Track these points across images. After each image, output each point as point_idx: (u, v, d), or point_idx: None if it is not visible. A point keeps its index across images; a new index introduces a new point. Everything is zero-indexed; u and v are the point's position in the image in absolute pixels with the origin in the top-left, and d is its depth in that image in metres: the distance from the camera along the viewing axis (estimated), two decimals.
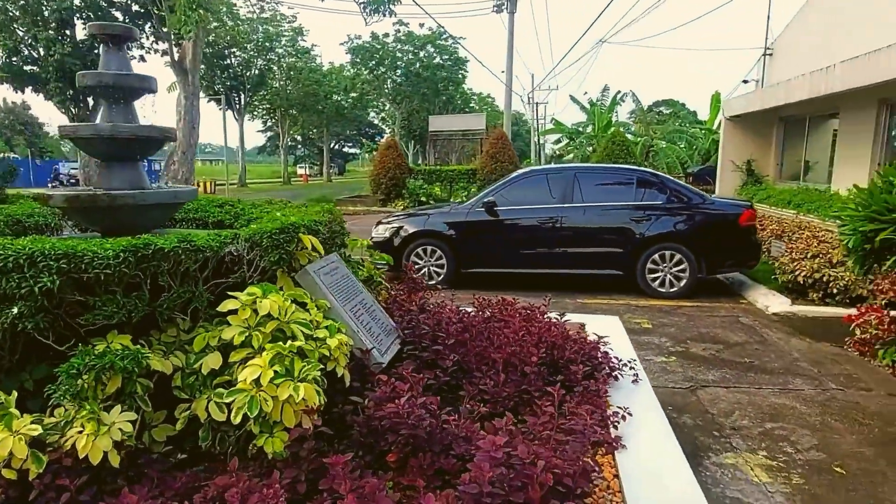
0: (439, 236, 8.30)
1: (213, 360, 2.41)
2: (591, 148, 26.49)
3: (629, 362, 3.53)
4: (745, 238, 7.94)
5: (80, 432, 2.07)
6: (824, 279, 7.28)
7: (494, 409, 2.67)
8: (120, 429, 2.12)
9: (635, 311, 7.21)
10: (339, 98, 37.94)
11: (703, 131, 27.76)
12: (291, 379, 2.22)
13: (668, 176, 8.65)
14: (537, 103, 42.39)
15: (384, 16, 13.85)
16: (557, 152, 31.92)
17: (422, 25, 42.99)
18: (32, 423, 2.05)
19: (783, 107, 12.51)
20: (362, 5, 12.43)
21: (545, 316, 3.78)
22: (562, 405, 2.70)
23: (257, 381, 2.20)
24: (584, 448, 2.31)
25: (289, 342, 2.37)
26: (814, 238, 8.25)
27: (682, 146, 27.43)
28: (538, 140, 42.73)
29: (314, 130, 44.52)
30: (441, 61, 34.84)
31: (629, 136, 24.52)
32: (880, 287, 6.29)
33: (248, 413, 2.13)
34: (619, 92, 32.42)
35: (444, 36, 34.08)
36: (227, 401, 2.19)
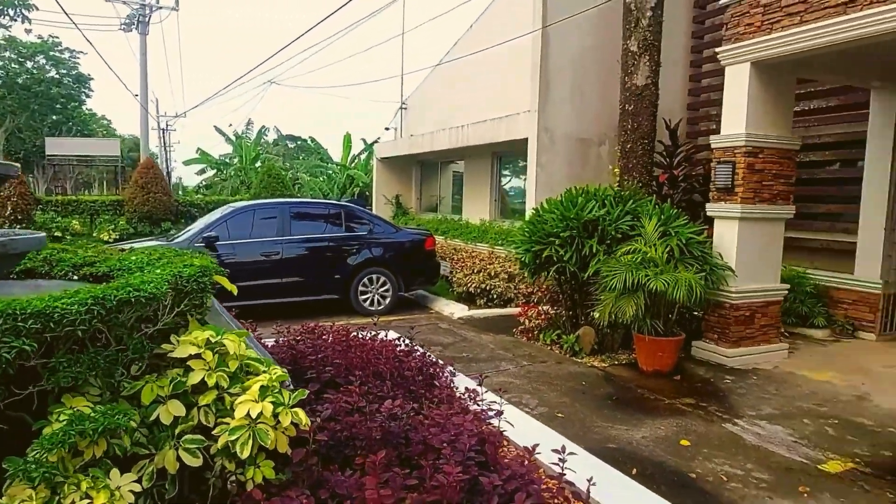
0: None
1: (174, 408, 2.37)
2: (240, 180, 26.41)
3: (444, 362, 4.45)
4: (430, 260, 9.76)
5: None
6: (487, 288, 9.58)
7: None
8: (131, 491, 2.03)
9: (360, 329, 8.12)
10: None
11: (338, 167, 30.61)
12: (285, 406, 2.43)
13: (367, 210, 9.91)
14: (164, 130, 39.65)
15: (16, 21, 11.40)
16: (204, 183, 30.57)
17: (28, 31, 34.75)
18: None
19: (422, 153, 15.36)
20: None
21: (364, 333, 4.41)
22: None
23: (257, 416, 2.35)
24: (491, 419, 3.14)
25: (261, 376, 2.53)
26: (471, 258, 10.65)
27: (322, 179, 29.74)
28: (168, 168, 39.86)
29: None
30: (58, 75, 29.19)
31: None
32: (530, 290, 8.73)
33: (263, 443, 2.28)
34: (263, 126, 33.13)
35: (61, 48, 28.84)
36: (232, 438, 2.28)
